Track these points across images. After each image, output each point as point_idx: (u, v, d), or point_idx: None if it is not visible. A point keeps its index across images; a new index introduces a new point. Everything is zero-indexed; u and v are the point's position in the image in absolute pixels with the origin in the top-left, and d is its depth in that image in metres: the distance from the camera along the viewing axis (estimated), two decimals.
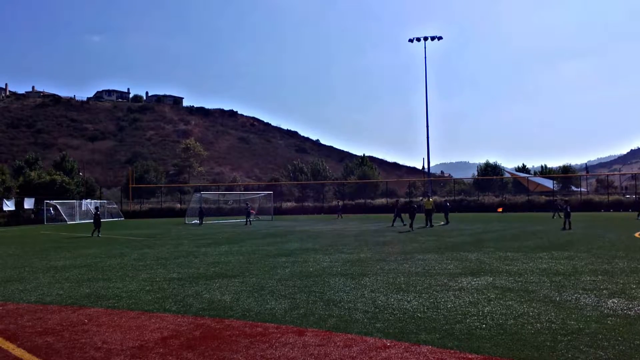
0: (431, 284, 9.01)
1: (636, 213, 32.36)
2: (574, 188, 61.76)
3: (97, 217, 24.82)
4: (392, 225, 27.40)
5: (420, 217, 28.75)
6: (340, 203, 49.27)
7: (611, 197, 48.98)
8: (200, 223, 34.20)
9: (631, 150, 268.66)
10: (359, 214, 47.70)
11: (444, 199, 43.43)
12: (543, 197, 51.81)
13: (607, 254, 12.99)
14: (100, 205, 49.23)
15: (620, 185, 68.81)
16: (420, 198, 49.03)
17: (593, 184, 70.88)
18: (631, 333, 5.74)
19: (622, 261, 11.54)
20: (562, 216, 33.40)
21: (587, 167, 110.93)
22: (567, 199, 44.03)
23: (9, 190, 43.67)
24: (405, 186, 72.02)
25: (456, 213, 44.66)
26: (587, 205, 46.12)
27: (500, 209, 43.08)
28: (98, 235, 23.80)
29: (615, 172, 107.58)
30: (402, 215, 28.46)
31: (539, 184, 60.90)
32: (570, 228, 22.23)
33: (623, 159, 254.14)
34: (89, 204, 47.54)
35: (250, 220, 33.98)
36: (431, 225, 25.51)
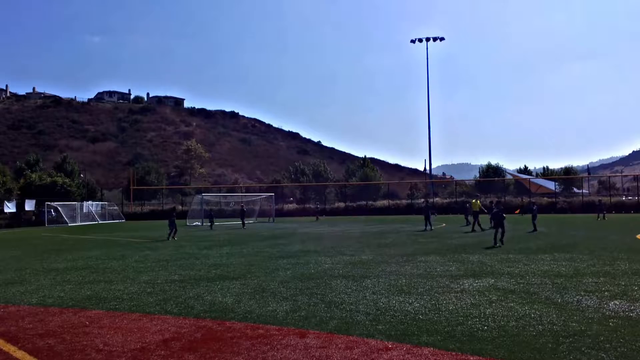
0: (433, 286, 9.01)
1: None
2: (575, 190, 61.66)
3: (172, 220, 23.41)
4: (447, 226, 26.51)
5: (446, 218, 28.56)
6: (319, 205, 49.61)
7: (613, 199, 48.89)
8: (211, 226, 31.79)
9: (633, 151, 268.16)
10: (361, 216, 47.68)
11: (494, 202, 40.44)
12: (545, 199, 51.74)
13: (608, 255, 12.97)
14: (102, 208, 49.36)
15: (622, 186, 68.67)
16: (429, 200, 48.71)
17: (595, 186, 70.89)
18: (633, 335, 5.73)
19: (624, 263, 11.52)
20: (603, 217, 33.08)
21: (589, 169, 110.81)
22: (534, 200, 43.47)
23: (9, 192, 43.70)
24: (407, 188, 71.97)
25: (457, 215, 44.63)
26: (589, 207, 46.03)
27: (517, 211, 42.97)
28: (174, 238, 22.22)
29: (617, 174, 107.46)
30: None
31: (540, 186, 60.83)
32: (535, 230, 21.97)
33: (625, 161, 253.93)
34: (90, 206, 47.60)
35: (243, 223, 33.50)
36: (482, 229, 23.07)
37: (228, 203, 53.13)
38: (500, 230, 16.27)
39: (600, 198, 45.40)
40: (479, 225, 23.71)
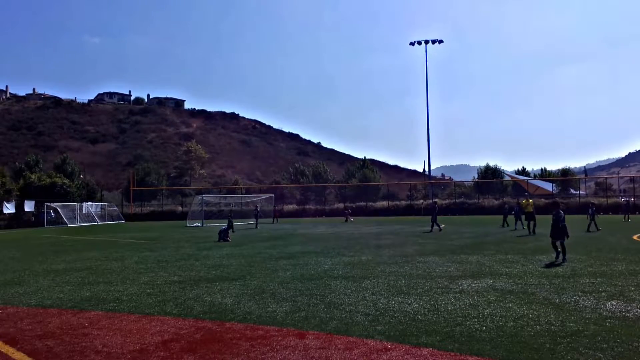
0: (432, 287, 9.03)
1: None
2: (573, 191, 61.69)
3: (230, 221, 25.51)
4: (504, 226, 26.66)
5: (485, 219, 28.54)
6: (349, 208, 48.61)
7: (610, 200, 48.90)
8: (226, 237, 22.83)
9: (629, 153, 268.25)
10: (361, 217, 47.68)
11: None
12: (542, 200, 51.74)
13: (605, 256, 12.99)
14: (101, 209, 49.32)
15: (618, 188, 68.75)
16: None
17: (592, 187, 70.82)
18: (629, 335, 5.76)
19: (621, 264, 11.55)
20: (627, 218, 32.54)
21: (586, 170, 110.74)
22: (593, 201, 41.76)
23: (9, 192, 43.68)
24: (406, 189, 71.99)
25: (457, 216, 44.70)
26: (586, 208, 45.98)
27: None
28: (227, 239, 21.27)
29: (614, 175, 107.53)
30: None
31: (538, 187, 60.82)
32: (591, 230, 22.06)
33: (621, 162, 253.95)
34: (89, 207, 47.61)
35: (257, 224, 33.76)
36: (533, 232, 20.93)
37: (228, 204, 53.17)
38: (560, 242, 12.20)
39: (627, 199, 44.94)
40: (534, 227, 21.25)
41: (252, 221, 35.29)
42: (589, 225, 22.78)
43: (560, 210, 12.63)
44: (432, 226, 24.91)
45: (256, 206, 37.25)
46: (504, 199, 48.02)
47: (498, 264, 11.86)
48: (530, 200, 23.56)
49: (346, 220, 40.37)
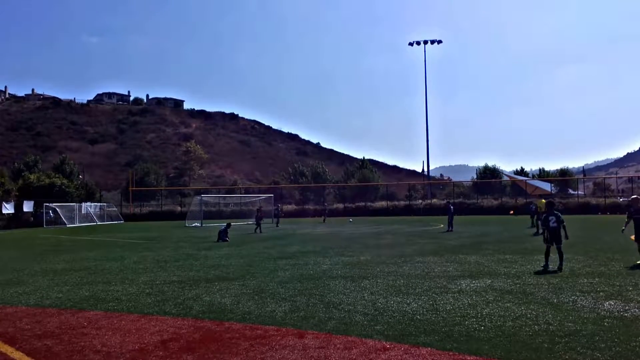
0: (430, 287, 9.04)
1: None
2: (571, 191, 61.78)
3: (259, 217, 28.78)
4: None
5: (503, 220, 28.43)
6: (327, 206, 49.09)
7: (608, 200, 48.94)
8: (225, 237, 21.28)
9: (627, 153, 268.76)
10: (360, 217, 47.70)
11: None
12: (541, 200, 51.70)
13: (604, 256, 13.02)
14: (100, 209, 49.28)
15: (617, 188, 68.84)
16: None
17: (590, 187, 70.97)
18: (627, 334, 5.78)
19: (619, 264, 11.57)
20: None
21: (585, 170, 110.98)
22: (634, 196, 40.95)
23: (8, 193, 43.61)
24: (405, 189, 72.05)
25: (455, 216, 44.68)
26: (584, 208, 46.10)
27: (512, 212, 43.10)
28: (260, 232, 26.37)
29: (612, 175, 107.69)
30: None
31: (537, 187, 60.90)
32: None
33: (620, 162, 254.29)
34: (88, 207, 47.56)
35: (277, 223, 34.40)
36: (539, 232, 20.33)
37: (227, 204, 53.17)
38: (556, 246, 10.89)
39: (626, 199, 44.73)
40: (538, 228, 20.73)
41: (251, 221, 35.45)
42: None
43: (553, 212, 11.33)
44: (452, 226, 25.07)
45: (277, 206, 38.66)
46: (530, 199, 47.68)
47: (496, 264, 11.88)
48: (543, 201, 23.98)
49: (324, 221, 40.20)
